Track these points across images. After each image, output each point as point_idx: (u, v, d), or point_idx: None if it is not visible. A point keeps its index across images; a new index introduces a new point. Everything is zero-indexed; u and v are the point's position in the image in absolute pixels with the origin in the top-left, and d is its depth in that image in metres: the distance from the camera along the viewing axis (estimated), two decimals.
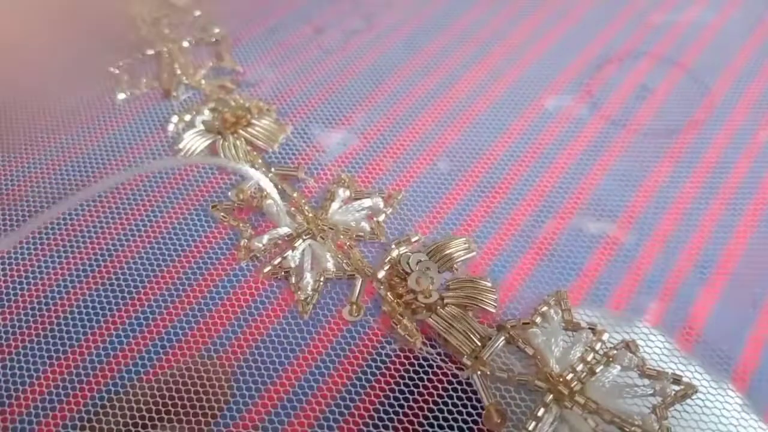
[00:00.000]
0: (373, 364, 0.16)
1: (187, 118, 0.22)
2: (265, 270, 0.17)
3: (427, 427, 0.15)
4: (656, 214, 0.20)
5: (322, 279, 0.17)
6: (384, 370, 0.16)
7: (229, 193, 0.19)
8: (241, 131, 0.21)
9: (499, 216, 0.20)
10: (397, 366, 0.16)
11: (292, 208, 0.19)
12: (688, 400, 0.15)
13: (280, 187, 0.19)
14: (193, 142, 0.21)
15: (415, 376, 0.16)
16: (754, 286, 0.19)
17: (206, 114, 0.22)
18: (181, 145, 0.21)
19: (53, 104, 0.23)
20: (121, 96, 0.23)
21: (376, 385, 0.16)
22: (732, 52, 0.27)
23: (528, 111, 0.24)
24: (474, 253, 0.18)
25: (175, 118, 0.22)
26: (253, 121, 0.21)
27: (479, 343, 0.16)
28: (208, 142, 0.21)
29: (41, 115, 0.22)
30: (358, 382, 0.16)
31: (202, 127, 0.21)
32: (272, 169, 0.20)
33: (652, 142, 0.23)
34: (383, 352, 0.16)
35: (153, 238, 0.19)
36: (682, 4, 0.29)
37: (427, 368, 0.16)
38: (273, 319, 0.17)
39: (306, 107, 0.23)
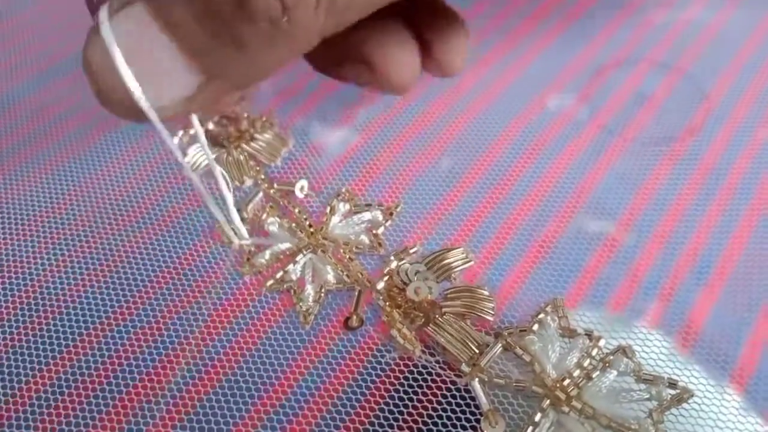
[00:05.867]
0: (373, 372, 0.17)
1: (192, 131, 0.22)
2: (268, 284, 0.18)
3: None
4: (655, 215, 0.20)
5: (322, 291, 0.18)
6: (383, 378, 0.16)
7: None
8: (244, 145, 0.22)
9: (498, 216, 0.20)
10: (397, 374, 0.17)
11: (294, 224, 0.19)
12: (685, 404, 0.16)
13: (282, 203, 0.20)
14: (198, 155, 0.21)
15: (414, 384, 0.16)
16: (753, 287, 0.19)
17: (210, 127, 0.22)
18: (186, 159, 0.21)
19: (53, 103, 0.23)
20: None
21: (376, 392, 0.16)
22: (731, 52, 0.27)
23: (527, 111, 0.24)
24: (472, 263, 0.19)
25: (180, 132, 0.22)
26: (256, 135, 0.22)
27: (477, 351, 0.16)
28: (212, 155, 0.21)
29: (41, 113, 0.23)
30: (357, 389, 0.16)
31: (206, 140, 0.22)
32: (275, 185, 0.20)
33: (650, 147, 0.23)
34: (383, 360, 0.17)
35: (153, 238, 0.19)
36: (682, 3, 0.29)
37: (426, 376, 0.16)
38: (273, 325, 0.17)
39: (306, 107, 0.23)
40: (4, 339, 0.17)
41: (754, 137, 0.23)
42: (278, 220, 0.19)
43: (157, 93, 0.11)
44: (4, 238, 0.19)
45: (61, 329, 0.17)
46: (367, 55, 0.16)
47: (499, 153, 0.22)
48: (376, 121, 0.23)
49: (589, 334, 0.17)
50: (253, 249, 0.19)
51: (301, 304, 0.18)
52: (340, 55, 0.16)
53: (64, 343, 0.17)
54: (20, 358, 0.16)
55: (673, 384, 0.16)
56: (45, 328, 0.17)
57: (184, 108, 0.11)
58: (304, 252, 0.18)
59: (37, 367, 0.16)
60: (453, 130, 0.23)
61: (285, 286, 0.18)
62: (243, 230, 0.18)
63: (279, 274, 0.18)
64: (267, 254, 0.18)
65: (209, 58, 0.10)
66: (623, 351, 0.16)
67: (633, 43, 0.27)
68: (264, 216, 0.19)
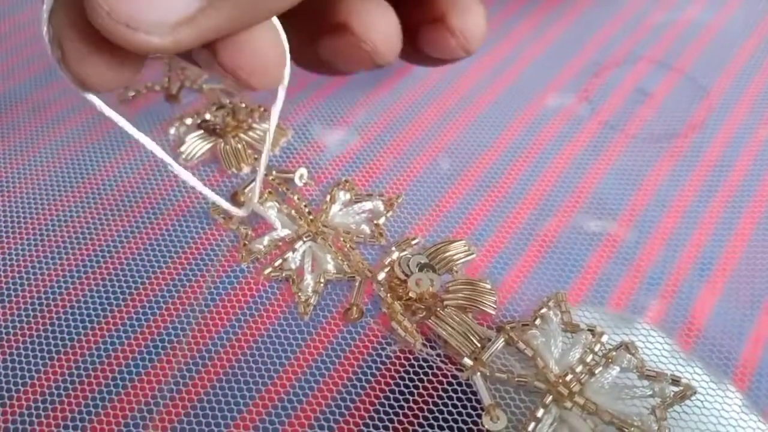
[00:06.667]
0: (373, 365, 0.16)
1: (189, 121, 0.22)
2: (266, 271, 0.18)
3: (426, 428, 0.15)
4: (657, 212, 0.20)
5: (322, 280, 0.17)
6: (384, 371, 0.16)
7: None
8: (242, 135, 0.21)
9: (499, 214, 0.20)
10: (397, 367, 0.16)
11: (293, 211, 0.19)
12: (687, 401, 0.15)
13: (281, 189, 0.20)
14: (195, 145, 0.21)
15: (415, 377, 0.16)
16: (756, 284, 0.19)
17: (208, 117, 0.22)
18: (182, 149, 0.21)
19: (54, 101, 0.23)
20: (123, 98, 0.23)
21: (376, 386, 0.16)
22: (731, 52, 0.27)
23: (528, 110, 0.24)
24: (474, 256, 0.18)
25: (176, 123, 0.22)
26: (254, 125, 0.22)
27: (479, 345, 0.16)
28: (209, 145, 0.21)
29: (41, 113, 0.23)
30: (358, 383, 0.16)
31: (203, 130, 0.21)
32: (273, 172, 0.20)
33: (652, 144, 0.23)
34: (383, 353, 0.16)
35: (153, 237, 0.19)
36: (682, 3, 0.29)
37: (427, 369, 0.16)
38: (273, 319, 0.17)
39: (306, 107, 0.23)
40: (7, 337, 0.17)
41: (755, 136, 0.23)
42: (277, 204, 0.19)
43: (152, 6, 0.10)
44: (6, 239, 0.19)
45: (64, 327, 0.17)
46: (343, 18, 0.15)
47: (500, 151, 0.22)
48: (376, 121, 0.23)
49: (591, 330, 0.16)
50: (250, 233, 0.18)
51: (300, 294, 0.17)
52: (318, 28, 0.15)
53: (61, 343, 0.16)
54: (22, 359, 0.16)
55: (676, 381, 0.16)
56: (48, 327, 0.17)
57: (177, 36, 0.10)
58: (304, 239, 0.18)
59: (41, 362, 0.16)
60: (454, 129, 0.23)
61: (284, 275, 0.17)
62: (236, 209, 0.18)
63: (278, 262, 0.18)
64: (265, 240, 0.18)
65: None
66: (626, 347, 0.16)
67: (633, 42, 0.27)
68: (262, 200, 0.19)
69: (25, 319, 0.17)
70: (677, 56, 0.26)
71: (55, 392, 0.16)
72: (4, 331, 0.17)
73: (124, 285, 0.18)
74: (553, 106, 0.24)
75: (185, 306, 0.17)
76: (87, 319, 0.17)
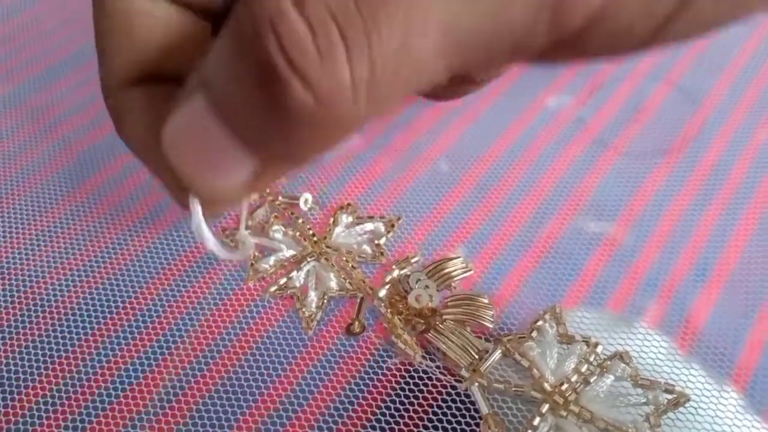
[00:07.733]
0: (374, 376, 0.17)
1: None
2: (271, 289, 0.18)
3: None
4: (654, 216, 0.21)
5: (325, 297, 0.18)
6: (385, 382, 0.17)
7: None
8: None
9: (498, 218, 0.21)
10: (398, 378, 0.17)
11: (298, 233, 0.20)
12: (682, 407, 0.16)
13: (287, 213, 0.21)
14: None
15: (415, 388, 0.17)
16: (752, 288, 0.19)
17: None
18: None
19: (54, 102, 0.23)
20: None
21: (378, 396, 0.17)
22: (731, 54, 0.27)
23: (526, 113, 0.24)
24: (471, 272, 0.19)
25: None
26: None
27: (477, 356, 0.17)
28: None
29: (41, 115, 0.23)
30: (360, 393, 0.17)
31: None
32: (279, 197, 0.21)
33: (651, 146, 0.23)
34: (384, 365, 0.17)
35: (154, 238, 0.19)
36: None
37: (426, 380, 0.17)
38: (273, 326, 0.18)
39: None
40: (6, 342, 0.17)
41: (754, 138, 0.23)
42: (282, 228, 0.20)
43: (216, 181, 0.11)
44: (6, 242, 0.19)
45: (66, 331, 0.17)
46: None
47: (497, 155, 0.23)
48: (375, 123, 0.23)
49: (586, 341, 0.17)
50: (257, 254, 0.19)
51: (304, 309, 0.18)
52: None
53: (63, 347, 0.17)
54: (21, 361, 0.17)
55: (669, 389, 0.16)
56: (47, 329, 0.17)
57: (243, 193, 0.12)
58: (308, 259, 0.19)
59: (43, 366, 0.17)
60: (452, 133, 0.23)
61: (288, 292, 0.18)
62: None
63: (282, 281, 0.19)
64: (271, 260, 0.19)
65: (263, 146, 0.11)
66: (620, 356, 0.17)
67: None
68: (268, 225, 0.20)
69: (27, 322, 0.17)
70: (676, 59, 0.26)
71: (57, 395, 0.16)
72: (5, 335, 0.17)
73: (124, 288, 0.18)
74: (551, 110, 0.24)
75: (186, 310, 0.18)
76: (88, 322, 0.17)
